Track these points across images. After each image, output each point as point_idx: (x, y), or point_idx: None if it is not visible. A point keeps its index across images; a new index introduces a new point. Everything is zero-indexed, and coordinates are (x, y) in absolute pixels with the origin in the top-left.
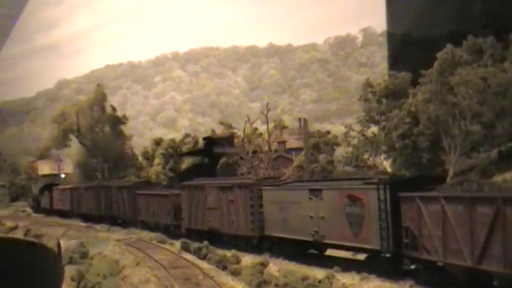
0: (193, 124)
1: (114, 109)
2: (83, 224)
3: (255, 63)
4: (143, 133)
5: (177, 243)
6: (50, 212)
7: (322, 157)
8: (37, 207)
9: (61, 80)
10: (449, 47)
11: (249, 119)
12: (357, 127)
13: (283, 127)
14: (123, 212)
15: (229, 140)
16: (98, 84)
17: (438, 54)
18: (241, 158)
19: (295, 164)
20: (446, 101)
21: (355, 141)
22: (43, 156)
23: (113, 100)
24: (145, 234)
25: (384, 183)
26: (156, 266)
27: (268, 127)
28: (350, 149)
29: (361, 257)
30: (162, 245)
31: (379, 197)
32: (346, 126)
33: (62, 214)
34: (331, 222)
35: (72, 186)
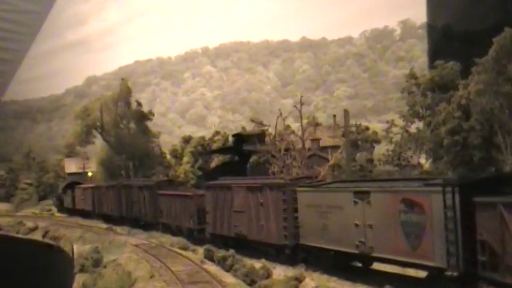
0: (223, 121)
1: (139, 104)
2: (104, 226)
3: (287, 58)
4: (172, 131)
5: (201, 250)
6: (73, 211)
7: (359, 155)
8: (61, 207)
9: (90, 77)
10: (508, 30)
11: (281, 114)
12: (399, 122)
13: (317, 124)
14: (144, 214)
15: (260, 137)
16: (122, 79)
17: (495, 39)
18: (273, 156)
19: (330, 162)
20: (503, 92)
21: (397, 138)
22: (71, 154)
23: (142, 97)
24: (167, 239)
25: (453, 185)
26: (173, 280)
27: (302, 122)
28: (391, 146)
29: (414, 271)
30: (183, 253)
31: (445, 203)
32: (388, 121)
33: (85, 214)
34: (382, 231)
35: (94, 185)
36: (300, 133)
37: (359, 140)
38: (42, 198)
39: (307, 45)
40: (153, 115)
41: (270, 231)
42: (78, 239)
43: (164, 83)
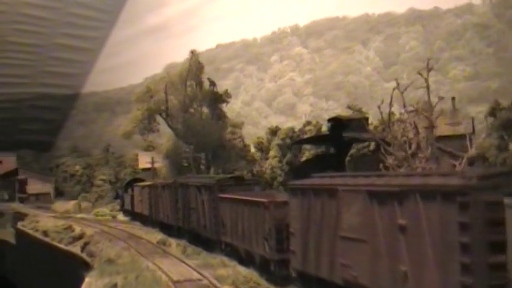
0: (315, 110)
1: (212, 83)
2: (157, 238)
3: (391, 34)
4: (257, 121)
5: None
6: (134, 215)
7: None
8: (122, 209)
9: (169, 64)
10: None
11: (398, 85)
12: None
13: (420, 113)
14: (203, 226)
15: (362, 122)
16: (191, 51)
17: None
18: (386, 143)
19: (470, 153)
20: None
21: None
22: (150, 147)
23: (225, 84)
24: (229, 271)
25: None
26: None
27: (429, 94)
28: None
29: None
30: None
31: None
32: None
33: (145, 220)
34: None
35: (151, 183)
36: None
37: None
38: (118, 195)
39: (415, 18)
40: (230, 96)
41: None
42: (107, 261)
43: (249, 68)
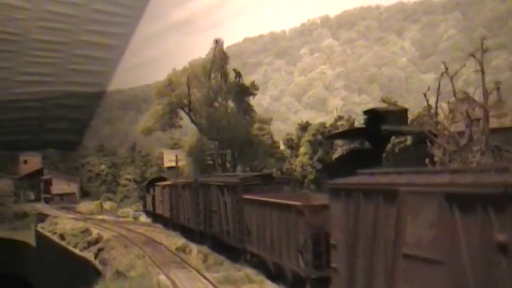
0: (347, 104)
1: (238, 75)
2: (177, 243)
3: (428, 23)
4: (287, 117)
5: None
6: (156, 216)
7: None
8: (145, 209)
9: (195, 59)
10: None
11: (447, 69)
12: None
13: (473, 101)
14: (226, 231)
15: (401, 115)
16: (215, 40)
17: None
18: (434, 135)
19: None
20: None
21: None
22: (176, 145)
23: (252, 79)
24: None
25: None
26: None
27: (483, 80)
28: None
29: None
30: None
31: None
32: None
33: (167, 222)
34: None
35: (172, 182)
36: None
37: None
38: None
39: (454, 4)
40: (257, 89)
41: None
42: (115, 273)
43: (277, 62)
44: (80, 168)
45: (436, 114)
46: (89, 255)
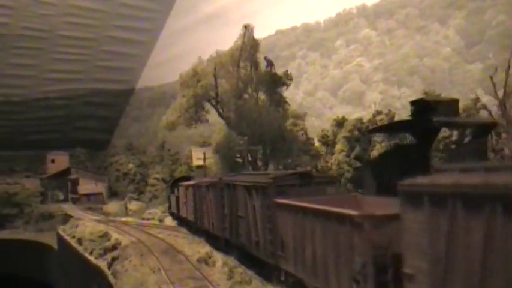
0: (386, 98)
1: (270, 63)
2: (200, 252)
3: (475, 9)
4: (321, 112)
5: None
6: (180, 219)
7: None
8: (169, 211)
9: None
10: None
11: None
12: None
13: None
14: (255, 242)
15: (453, 105)
16: (245, 26)
17: None
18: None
19: None
20: None
21: None
22: (206, 142)
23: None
24: None
25: None
26: None
27: None
28: None
29: None
30: None
31: None
32: None
33: (191, 226)
34: None
35: (196, 182)
36: None
37: None
38: None
39: None
40: (291, 79)
41: None
42: None
43: (311, 55)
44: (108, 168)
45: (504, 105)
46: (102, 264)
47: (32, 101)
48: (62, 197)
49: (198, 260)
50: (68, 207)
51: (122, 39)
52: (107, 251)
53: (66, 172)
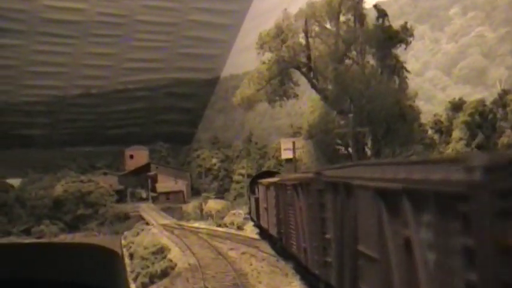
0: None
1: (382, 13)
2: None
3: None
4: (432, 95)
5: None
6: (262, 229)
7: None
8: (249, 215)
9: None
10: None
11: None
12: None
13: None
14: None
15: None
16: None
17: None
18: None
19: None
20: None
21: None
22: (298, 132)
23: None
24: None
25: None
26: None
27: None
28: None
29: None
30: None
31: None
32: None
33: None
34: None
35: (279, 178)
36: None
37: None
38: None
39: None
40: (411, 35)
41: None
42: None
43: (420, 28)
44: (191, 163)
45: None
46: None
47: (111, 93)
48: (144, 195)
49: None
50: (145, 207)
51: (205, 23)
52: (152, 277)
53: (145, 168)
